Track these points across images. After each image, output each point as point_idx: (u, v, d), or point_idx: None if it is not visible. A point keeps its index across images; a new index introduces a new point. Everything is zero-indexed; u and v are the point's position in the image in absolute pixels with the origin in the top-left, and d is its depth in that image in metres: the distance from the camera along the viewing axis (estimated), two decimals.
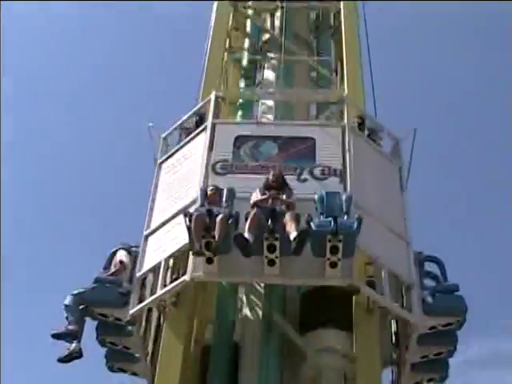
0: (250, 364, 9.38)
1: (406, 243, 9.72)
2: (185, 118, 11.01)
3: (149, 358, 9.95)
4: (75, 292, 9.57)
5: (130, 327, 9.60)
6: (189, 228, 8.43)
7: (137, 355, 10.03)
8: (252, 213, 8.41)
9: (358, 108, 10.89)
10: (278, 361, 9.59)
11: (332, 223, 8.29)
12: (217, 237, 8.20)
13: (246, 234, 8.20)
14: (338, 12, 13.62)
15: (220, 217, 8.33)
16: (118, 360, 10.17)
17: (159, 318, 9.89)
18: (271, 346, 9.61)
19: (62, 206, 29.58)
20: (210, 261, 8.50)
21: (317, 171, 9.66)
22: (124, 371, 10.44)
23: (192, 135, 10.55)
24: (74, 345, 9.31)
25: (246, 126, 10.64)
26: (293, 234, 8.12)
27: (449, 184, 29.71)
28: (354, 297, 8.98)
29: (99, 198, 30.23)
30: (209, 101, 10.75)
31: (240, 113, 12.37)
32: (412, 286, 9.28)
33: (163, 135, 11.16)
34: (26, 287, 27.27)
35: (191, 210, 8.82)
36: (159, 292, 8.96)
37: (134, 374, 10.40)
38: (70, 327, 9.42)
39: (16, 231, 27.00)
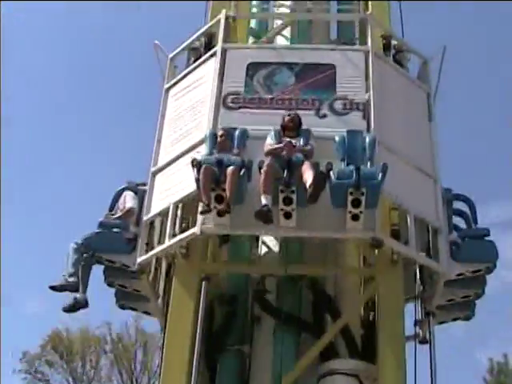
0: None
1: (433, 181, 8.98)
2: (193, 37, 10.03)
3: (160, 299, 9.54)
4: (79, 240, 8.98)
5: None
6: (197, 180, 7.72)
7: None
8: (266, 164, 7.64)
9: (384, 27, 9.84)
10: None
11: (354, 174, 7.55)
12: (228, 193, 7.52)
13: (263, 199, 7.48)
14: None
15: (231, 169, 7.59)
16: (128, 300, 9.72)
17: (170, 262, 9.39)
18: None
19: (66, 138, 28.83)
20: (221, 213, 7.84)
21: (337, 105, 8.78)
22: (135, 310, 10.12)
23: (201, 60, 9.62)
24: (78, 295, 8.84)
25: (259, 51, 9.70)
26: (309, 180, 7.39)
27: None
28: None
29: (104, 127, 29.21)
30: (219, 20, 9.75)
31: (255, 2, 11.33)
32: (440, 231, 8.62)
33: (170, 55, 10.22)
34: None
35: (199, 157, 8.07)
36: (167, 243, 8.36)
37: (146, 312, 10.07)
38: (70, 279, 8.87)
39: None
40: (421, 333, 9.56)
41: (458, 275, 8.66)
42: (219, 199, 7.70)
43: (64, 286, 8.80)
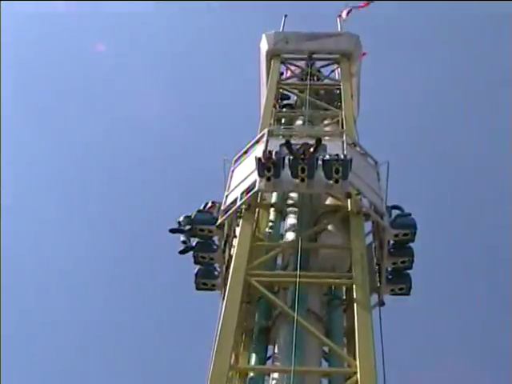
0: None
1: (380, 198, 16.50)
2: (248, 146, 18.26)
3: (224, 268, 16.31)
4: (184, 215, 16.36)
5: (215, 245, 16.15)
6: (258, 158, 15.43)
7: (216, 273, 16.46)
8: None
9: (352, 138, 18.35)
10: None
11: (335, 157, 15.36)
12: (274, 156, 15.17)
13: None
14: (350, 288, 14.65)
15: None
16: (203, 277, 16.54)
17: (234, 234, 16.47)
18: None
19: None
20: (269, 179, 15.40)
21: (327, 156, 16.73)
22: (206, 286, 16.72)
23: (254, 148, 17.76)
24: (188, 244, 15.98)
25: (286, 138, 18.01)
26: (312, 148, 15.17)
27: None
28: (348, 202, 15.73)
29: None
30: (263, 134, 18.13)
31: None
32: (384, 213, 15.92)
33: (234, 158, 18.31)
34: None
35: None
36: (239, 202, 15.71)
37: (213, 286, 16.69)
38: (189, 244, 16.22)
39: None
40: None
41: (396, 236, 15.73)
42: (269, 169, 15.31)
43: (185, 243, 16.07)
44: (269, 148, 16.85)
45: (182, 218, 16.51)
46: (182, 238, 16.31)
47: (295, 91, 22.95)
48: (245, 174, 16.83)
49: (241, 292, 13.68)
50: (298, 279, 13.80)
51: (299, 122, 20.89)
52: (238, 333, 13.62)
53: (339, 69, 23.80)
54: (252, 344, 14.90)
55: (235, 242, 15.85)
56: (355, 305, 13.51)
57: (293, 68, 24.45)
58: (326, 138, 17.80)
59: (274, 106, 21.73)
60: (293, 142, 16.80)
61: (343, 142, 17.13)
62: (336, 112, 20.85)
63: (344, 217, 16.07)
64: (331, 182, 15.33)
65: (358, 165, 16.64)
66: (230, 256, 16.20)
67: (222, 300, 15.31)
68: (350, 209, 15.96)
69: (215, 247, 16.21)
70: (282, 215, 17.63)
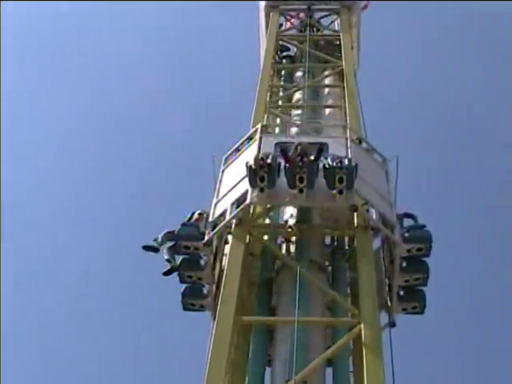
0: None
1: (390, 204, 14.51)
2: (240, 142, 16.22)
3: (214, 287, 14.40)
4: (166, 230, 14.37)
5: (202, 262, 14.20)
6: (249, 165, 13.38)
7: (205, 292, 14.52)
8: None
9: (357, 133, 16.25)
10: None
11: (339, 164, 13.28)
12: (269, 161, 13.12)
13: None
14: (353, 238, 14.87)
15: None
16: (190, 296, 14.60)
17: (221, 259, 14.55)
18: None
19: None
20: (262, 190, 13.35)
21: (330, 157, 14.65)
22: (193, 306, 14.81)
23: (246, 146, 15.73)
24: (172, 263, 14.02)
25: (282, 137, 15.91)
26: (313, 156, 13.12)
27: None
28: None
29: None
30: (257, 129, 16.06)
31: None
32: (395, 225, 13.94)
33: (224, 156, 16.29)
34: None
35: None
36: (228, 217, 13.70)
37: (202, 307, 14.78)
38: (173, 264, 14.24)
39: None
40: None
41: (408, 251, 13.77)
42: (262, 179, 13.27)
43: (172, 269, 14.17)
44: (262, 150, 14.87)
45: (162, 234, 14.53)
46: (166, 256, 14.36)
47: (295, 42, 22.45)
48: (236, 179, 14.82)
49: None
50: None
51: (299, 74, 20.22)
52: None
53: (339, 19, 23.26)
54: (255, 296, 14.25)
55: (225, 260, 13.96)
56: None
57: (292, 20, 24.04)
58: (327, 134, 15.77)
59: (274, 58, 21.12)
60: (288, 140, 14.89)
61: (347, 139, 15.08)
62: (337, 63, 20.32)
63: None
64: (334, 192, 13.30)
65: (364, 166, 14.60)
66: (222, 271, 14.31)
67: (213, 321, 13.64)
68: (355, 223, 13.96)
69: (203, 264, 14.25)
70: None
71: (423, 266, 14.05)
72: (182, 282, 14.49)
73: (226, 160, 16.23)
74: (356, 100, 17.95)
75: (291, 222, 15.07)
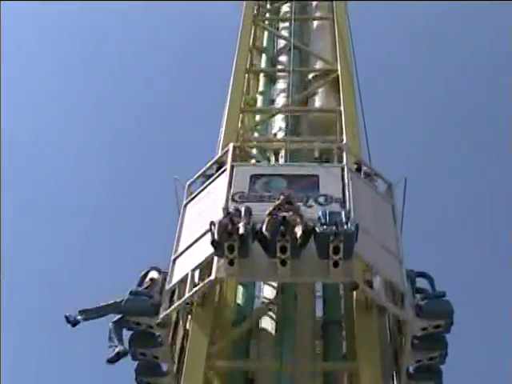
0: None
1: (398, 261, 11.26)
2: (207, 166, 12.84)
3: (175, 367, 11.29)
4: (110, 302, 11.07)
5: (159, 338, 11.00)
6: (213, 232, 10.04)
7: (163, 369, 11.38)
8: (266, 219, 10.05)
9: (356, 155, 12.75)
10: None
11: (334, 227, 9.91)
12: (241, 230, 9.74)
13: (264, 232, 9.83)
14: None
15: (242, 223, 9.97)
16: (146, 374, 11.47)
17: (184, 332, 11.35)
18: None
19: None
20: (231, 263, 10.04)
21: (320, 199, 11.31)
22: None
23: (214, 176, 12.34)
24: (119, 347, 10.76)
25: (259, 166, 12.47)
26: (299, 233, 9.73)
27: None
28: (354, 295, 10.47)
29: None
30: (227, 151, 12.62)
31: None
32: (405, 294, 10.73)
33: (188, 182, 12.92)
34: None
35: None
36: (188, 293, 10.44)
37: None
38: (120, 348, 10.88)
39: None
40: None
41: (423, 330, 10.63)
42: (231, 249, 9.95)
43: (118, 356, 10.83)
44: (234, 187, 11.55)
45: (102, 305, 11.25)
46: (108, 339, 11.12)
47: None
48: (200, 227, 11.49)
49: None
50: None
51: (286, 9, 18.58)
52: None
53: None
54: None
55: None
56: None
57: None
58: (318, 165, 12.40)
59: None
60: (264, 171, 11.91)
61: (344, 175, 11.73)
62: None
63: (335, 80, 15.49)
64: (328, 262, 10.00)
65: (365, 210, 11.37)
66: (183, 347, 11.21)
67: None
68: (354, 302, 10.73)
69: (160, 341, 11.07)
70: (271, 80, 16.89)
71: (441, 344, 10.96)
72: (134, 359, 11.37)
73: (190, 188, 12.89)
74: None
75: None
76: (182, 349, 11.31)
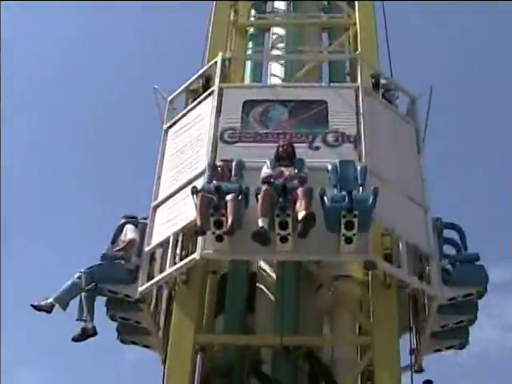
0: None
1: (423, 210, 9.33)
2: (191, 80, 10.55)
3: (161, 331, 9.77)
4: (83, 270, 9.29)
5: (140, 306, 9.37)
6: (196, 205, 8.08)
7: (149, 329, 9.85)
8: (262, 191, 8.02)
9: (373, 66, 10.36)
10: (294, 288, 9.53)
11: (346, 198, 7.89)
12: (229, 220, 7.83)
13: (260, 221, 7.85)
14: None
15: (230, 196, 7.96)
16: (129, 333, 9.95)
17: (171, 292, 9.68)
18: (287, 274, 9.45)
19: (63, 175, 28.94)
20: (220, 239, 8.15)
21: (330, 138, 9.21)
22: (136, 344, 10.29)
23: (199, 99, 10.10)
24: (88, 323, 9.10)
25: (254, 89, 10.19)
26: (301, 214, 7.75)
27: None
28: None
29: (103, 166, 29.38)
30: (215, 63, 10.26)
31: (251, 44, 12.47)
32: (431, 257, 8.92)
33: (169, 98, 10.70)
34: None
35: (198, 184, 8.45)
36: (168, 270, 8.65)
37: (146, 346, 10.26)
38: (89, 326, 9.18)
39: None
40: (416, 362, 9.90)
41: (450, 299, 8.94)
42: (218, 224, 8.02)
43: (85, 335, 9.09)
44: (224, 115, 9.50)
45: (76, 278, 9.38)
46: (78, 313, 9.36)
47: None
48: (183, 167, 9.56)
49: None
50: None
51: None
52: None
53: None
54: None
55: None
56: None
57: None
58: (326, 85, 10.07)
59: None
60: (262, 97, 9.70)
61: (357, 94, 9.52)
62: None
63: None
64: (341, 240, 8.07)
65: (384, 148, 9.32)
66: (170, 312, 9.61)
67: (163, 365, 9.40)
68: (370, 282, 8.88)
69: (140, 307, 9.42)
70: None
71: (471, 309, 9.31)
72: (113, 320, 9.81)
73: (172, 103, 10.69)
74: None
75: None
76: (168, 310, 9.73)
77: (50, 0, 25.07)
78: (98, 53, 29.82)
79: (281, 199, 7.94)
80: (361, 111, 9.37)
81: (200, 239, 8.30)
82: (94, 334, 9.14)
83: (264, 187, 8.07)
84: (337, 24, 12.58)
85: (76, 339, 9.14)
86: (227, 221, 7.94)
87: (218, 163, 8.72)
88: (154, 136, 10.82)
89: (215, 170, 8.64)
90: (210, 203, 7.96)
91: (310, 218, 7.74)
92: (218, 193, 8.02)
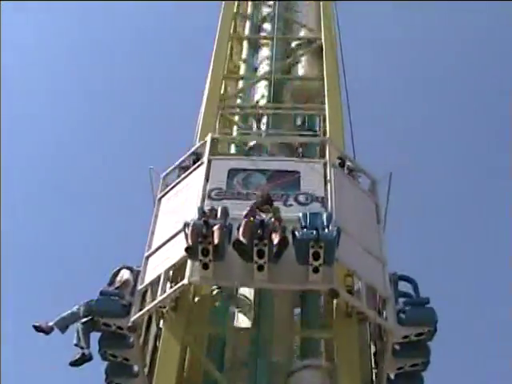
0: None
1: (381, 264, 10.77)
2: (183, 157, 12.24)
3: (146, 369, 10.80)
4: (82, 303, 10.52)
5: (130, 339, 10.48)
6: (187, 235, 9.50)
7: (135, 370, 10.87)
8: (243, 222, 9.51)
9: (339, 149, 12.19)
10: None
11: (314, 232, 9.39)
12: (216, 241, 9.25)
13: (241, 239, 9.28)
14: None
15: (217, 225, 9.43)
16: (116, 375, 10.96)
17: (157, 331, 10.83)
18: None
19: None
20: (205, 266, 9.51)
21: (301, 198, 10.81)
22: None
23: (190, 170, 11.75)
24: (85, 350, 10.23)
25: (238, 160, 11.89)
26: (276, 239, 9.22)
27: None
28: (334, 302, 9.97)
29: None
30: (205, 142, 12.03)
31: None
32: (387, 299, 10.26)
33: (163, 174, 12.33)
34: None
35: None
36: (159, 297, 9.91)
37: None
38: (86, 352, 10.34)
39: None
40: None
41: (404, 338, 10.18)
42: (205, 253, 9.41)
43: (83, 360, 10.29)
44: (211, 182, 11.01)
45: (75, 308, 10.69)
46: (75, 340, 10.58)
47: None
48: (175, 224, 10.92)
49: None
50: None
51: None
52: None
53: None
54: None
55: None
56: None
57: None
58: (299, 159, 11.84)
59: None
60: (243, 166, 11.35)
61: (325, 164, 11.27)
62: None
63: (319, 48, 15.59)
64: (308, 268, 9.49)
65: (348, 210, 10.87)
66: (156, 346, 10.72)
67: None
68: (334, 310, 10.23)
69: (130, 342, 10.55)
70: (254, 48, 16.63)
71: (423, 351, 10.52)
72: (104, 359, 10.86)
73: (166, 180, 12.30)
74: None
75: None
76: (155, 348, 10.83)
77: None
78: None
79: (259, 231, 9.41)
80: (328, 178, 11.05)
81: (188, 267, 9.66)
82: (91, 359, 10.27)
83: (244, 220, 9.57)
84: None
85: (74, 363, 10.27)
86: (214, 247, 9.35)
87: (206, 208, 10.23)
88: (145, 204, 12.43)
89: (203, 214, 10.12)
90: (199, 233, 9.40)
91: (284, 241, 9.20)
92: (205, 225, 9.48)
